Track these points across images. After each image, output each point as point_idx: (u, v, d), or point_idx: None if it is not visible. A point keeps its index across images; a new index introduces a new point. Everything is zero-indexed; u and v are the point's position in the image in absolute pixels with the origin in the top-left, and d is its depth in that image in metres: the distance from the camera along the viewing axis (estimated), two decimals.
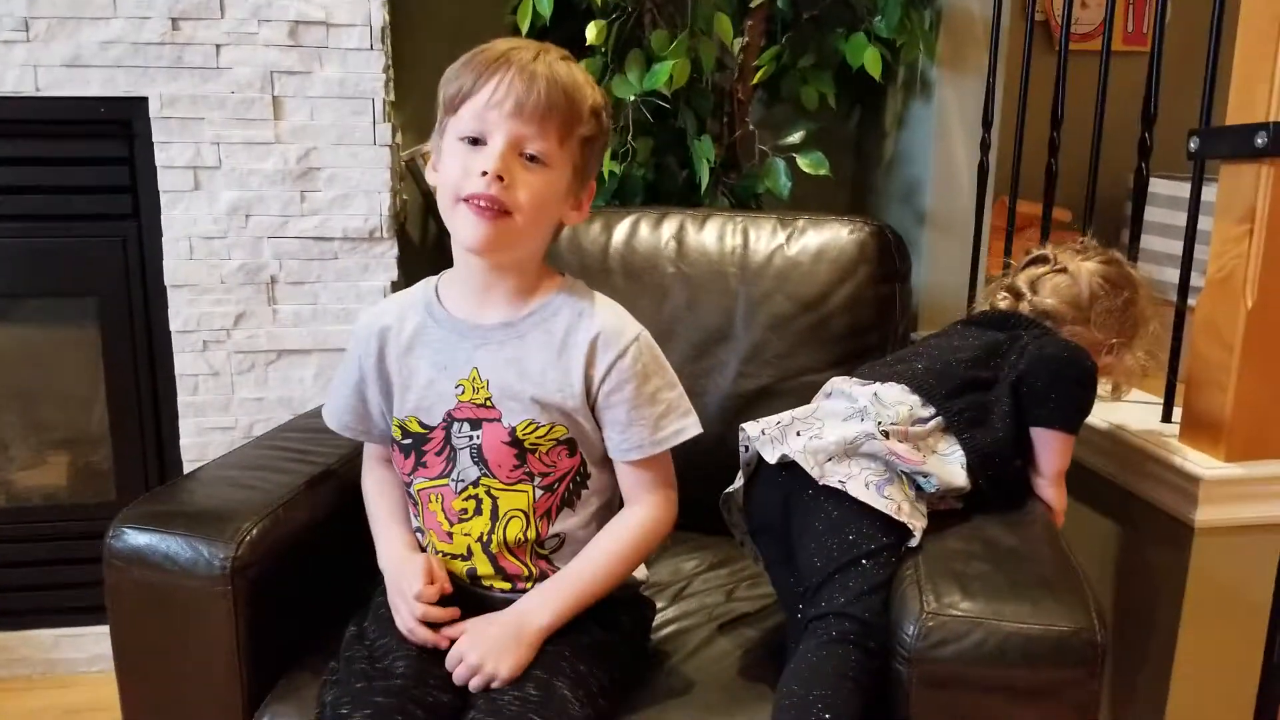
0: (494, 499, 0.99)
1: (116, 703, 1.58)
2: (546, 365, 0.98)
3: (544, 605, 0.95)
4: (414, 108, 1.84)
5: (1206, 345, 1.19)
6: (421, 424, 1.01)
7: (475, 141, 0.93)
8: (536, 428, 0.98)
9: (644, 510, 1.01)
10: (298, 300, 1.65)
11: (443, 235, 1.89)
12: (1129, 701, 1.27)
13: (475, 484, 0.99)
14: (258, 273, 1.63)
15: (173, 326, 1.62)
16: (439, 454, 1.00)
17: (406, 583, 0.95)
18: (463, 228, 0.94)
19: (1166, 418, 1.32)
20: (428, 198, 1.87)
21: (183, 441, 1.66)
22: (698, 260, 1.45)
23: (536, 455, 0.98)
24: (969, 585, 0.85)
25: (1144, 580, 1.26)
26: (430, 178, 0.99)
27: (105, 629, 1.67)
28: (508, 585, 1.00)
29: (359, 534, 1.06)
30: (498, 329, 1.00)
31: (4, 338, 1.71)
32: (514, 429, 0.98)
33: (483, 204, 0.92)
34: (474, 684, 0.90)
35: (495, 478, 0.99)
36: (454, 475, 1.00)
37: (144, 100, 1.54)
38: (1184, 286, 1.31)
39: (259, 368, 1.66)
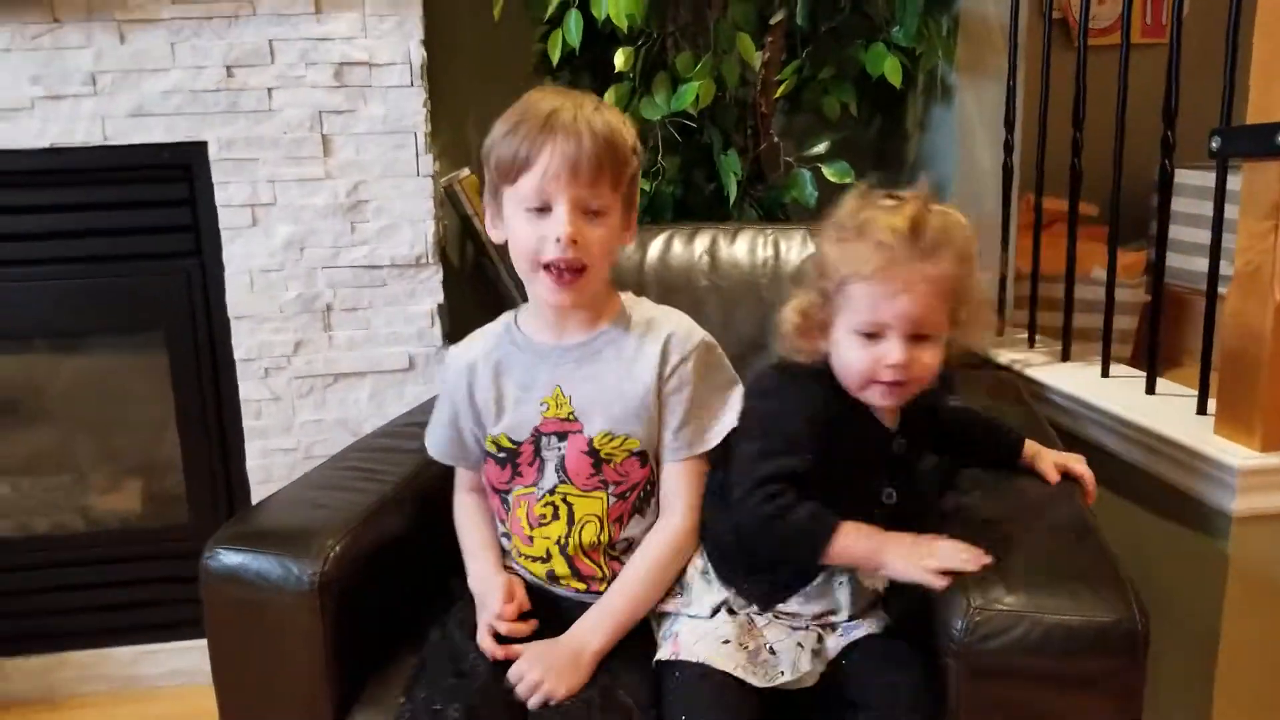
0: (570, 505, 1.08)
1: (193, 713, 1.70)
2: (622, 376, 1.07)
3: (598, 629, 1.02)
4: (449, 136, 1.92)
5: (1237, 338, 1.22)
6: (511, 440, 1.10)
7: (541, 209, 1.01)
8: (612, 438, 1.06)
9: (679, 521, 1.07)
10: (351, 326, 1.73)
11: (481, 257, 1.99)
12: (1175, 691, 1.30)
13: (552, 491, 1.08)
14: (313, 301, 1.70)
15: (236, 355, 1.70)
16: (531, 464, 1.10)
17: (490, 599, 1.03)
18: (545, 293, 1.04)
19: (1201, 410, 1.34)
20: (465, 222, 1.94)
21: (249, 464, 1.74)
22: (730, 273, 1.51)
23: (611, 465, 1.07)
24: (1011, 580, 0.90)
25: (1185, 571, 1.29)
26: (493, 235, 1.08)
27: (180, 645, 1.80)
28: (583, 586, 1.08)
29: (432, 546, 1.13)
30: (575, 349, 1.09)
31: (79, 371, 1.81)
32: (591, 440, 1.06)
33: (563, 268, 1.01)
34: (533, 701, 0.96)
35: (573, 484, 1.08)
36: (539, 484, 1.09)
37: (203, 144, 1.63)
38: (1213, 279, 1.34)
39: (318, 391, 1.74)
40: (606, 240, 1.03)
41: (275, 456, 1.74)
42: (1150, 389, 1.45)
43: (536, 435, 1.09)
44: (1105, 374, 1.56)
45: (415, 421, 1.42)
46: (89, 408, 1.82)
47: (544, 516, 1.08)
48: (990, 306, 1.10)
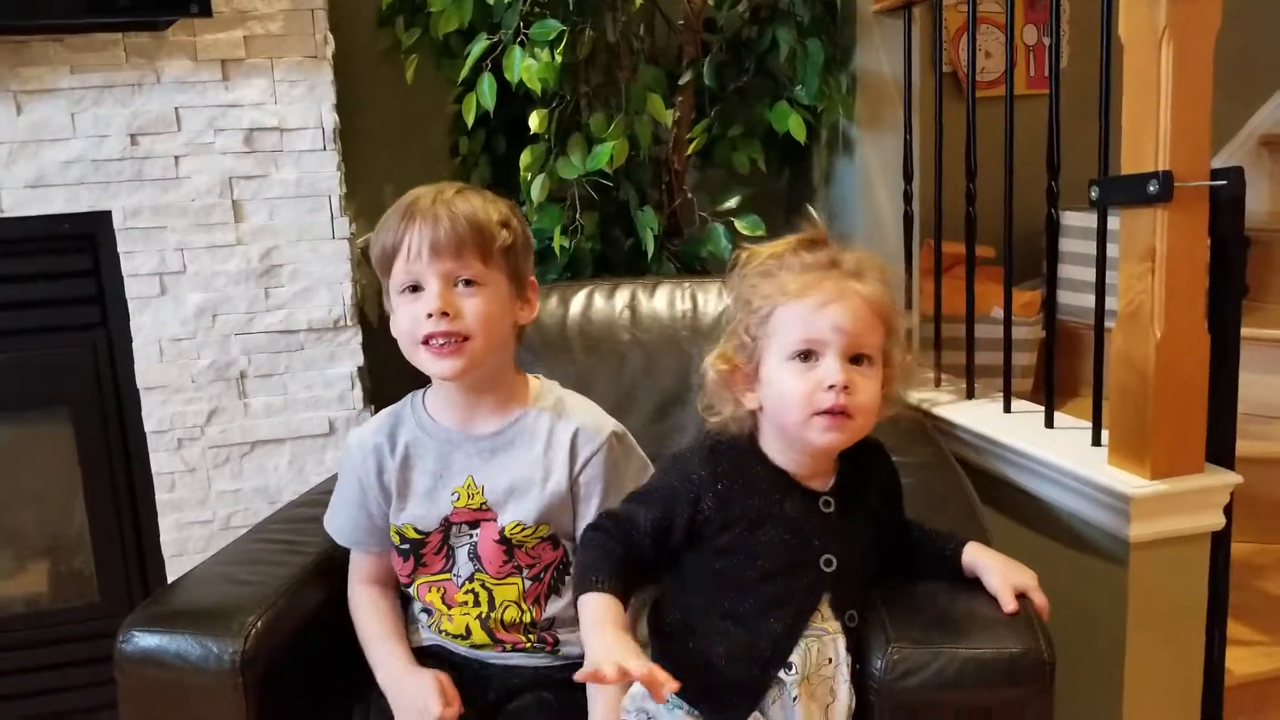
0: (489, 590, 1.08)
1: None
2: (534, 465, 1.08)
3: None
4: (365, 198, 1.92)
5: (1124, 374, 1.29)
6: (417, 530, 1.10)
7: (414, 289, 1.03)
8: (524, 528, 1.07)
9: None
10: (268, 393, 1.70)
11: None
12: (1086, 711, 1.36)
13: (470, 579, 1.09)
14: (227, 369, 1.67)
15: (147, 427, 1.65)
16: (437, 553, 1.09)
17: (422, 702, 1.00)
18: (430, 366, 1.04)
19: (1096, 441, 1.41)
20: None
21: (163, 538, 1.69)
22: (651, 326, 1.54)
23: (524, 550, 1.07)
24: (927, 620, 0.93)
25: (1089, 596, 1.34)
26: (394, 330, 1.08)
27: None
28: (509, 646, 1.08)
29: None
30: (487, 439, 1.09)
31: None
32: (503, 529, 1.07)
33: (440, 342, 1.02)
34: None
35: (486, 573, 1.09)
36: (454, 571, 1.10)
37: (107, 214, 1.59)
38: (1100, 317, 1.42)
39: (234, 460, 1.70)
40: (485, 310, 1.03)
41: (191, 529, 1.70)
42: (1049, 423, 1.52)
43: (446, 525, 1.09)
44: (1007, 409, 1.63)
45: (331, 489, 1.41)
46: None
47: (465, 603, 1.09)
48: (911, 358, 1.07)
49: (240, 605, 1.04)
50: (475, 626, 1.08)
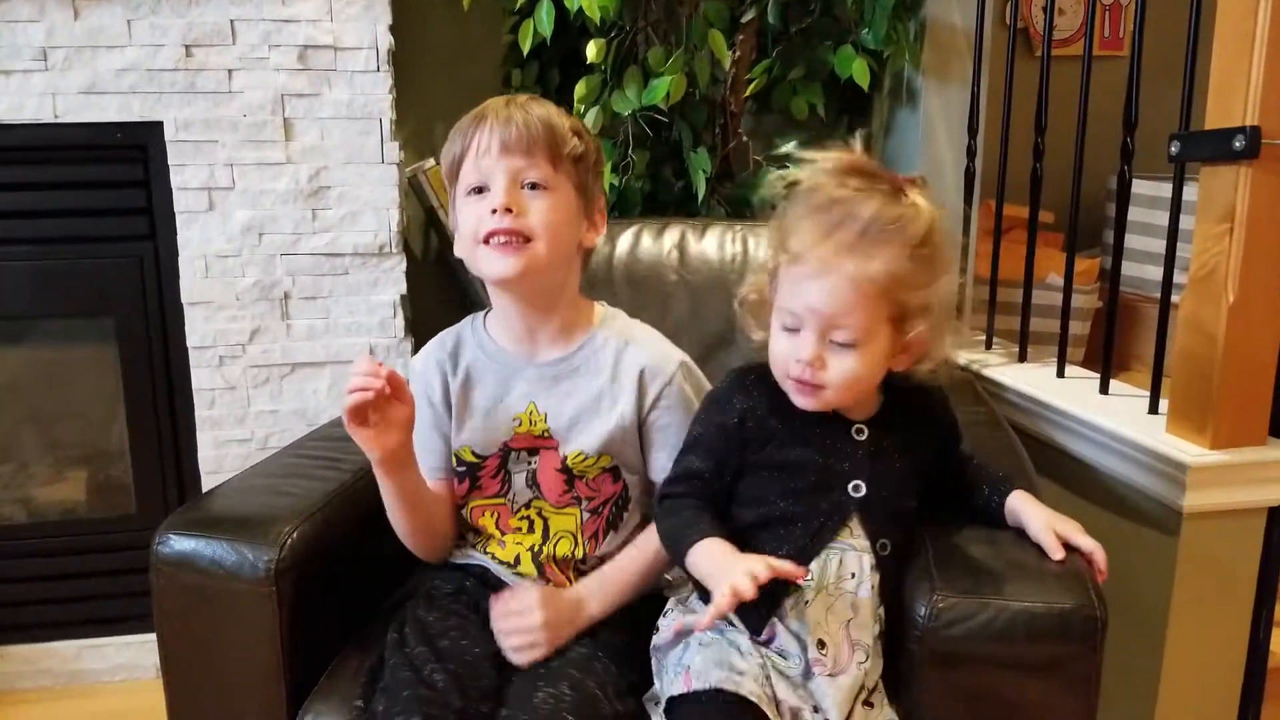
0: (545, 520, 1.07)
1: (139, 709, 1.66)
2: (600, 395, 1.05)
3: (597, 595, 1.02)
4: (414, 126, 1.90)
5: (1191, 339, 1.25)
6: (475, 454, 1.07)
7: (480, 190, 1.01)
8: (585, 457, 1.05)
9: None
10: (311, 315, 1.70)
11: (444, 248, 1.97)
12: (1123, 680, 1.33)
13: (528, 505, 1.07)
14: (271, 289, 1.67)
15: (189, 343, 1.66)
16: (494, 477, 1.08)
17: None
18: (488, 266, 1.01)
19: (1154, 409, 1.37)
20: (430, 213, 1.92)
21: (200, 454, 1.70)
22: (700, 268, 1.51)
23: (584, 480, 1.05)
24: (975, 569, 0.91)
25: (1136, 564, 1.32)
26: (457, 251, 1.05)
27: (126, 639, 1.75)
28: (550, 583, 1.06)
29: (392, 537, 1.10)
30: (551, 365, 1.06)
31: (23, 358, 1.75)
32: (565, 458, 1.05)
33: (501, 239, 0.98)
34: (515, 642, 0.96)
35: (546, 500, 1.07)
36: (510, 496, 1.07)
37: (159, 125, 1.58)
38: (1167, 283, 1.37)
39: (274, 381, 1.70)
40: (552, 215, 1.00)
41: (229, 447, 1.70)
42: (1104, 389, 1.48)
43: (505, 450, 1.07)
44: (1060, 374, 1.59)
45: None
46: (33, 395, 1.76)
47: (519, 529, 1.07)
48: (956, 327, 0.98)
49: (278, 515, 1.03)
50: (526, 557, 1.06)
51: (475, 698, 0.92)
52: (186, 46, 1.57)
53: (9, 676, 1.75)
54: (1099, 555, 0.94)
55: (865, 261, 0.87)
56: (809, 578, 0.92)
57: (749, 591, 0.81)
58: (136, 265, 1.65)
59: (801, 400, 0.93)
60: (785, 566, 0.84)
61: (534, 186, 1.00)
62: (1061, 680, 0.88)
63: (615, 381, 1.05)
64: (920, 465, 1.00)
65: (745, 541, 0.92)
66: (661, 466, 1.05)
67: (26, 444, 1.78)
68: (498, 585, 1.06)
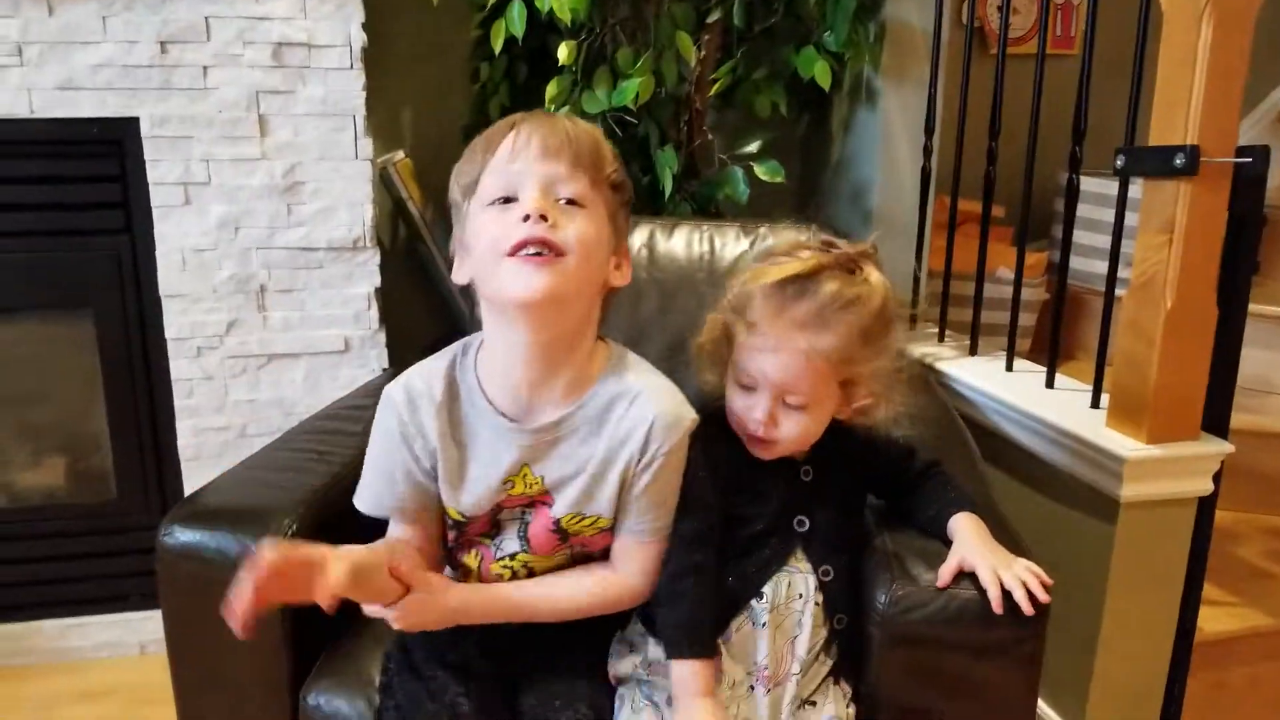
0: (530, 569, 1.00)
1: (124, 683, 1.71)
2: (602, 459, 0.95)
3: (467, 592, 0.97)
4: (383, 117, 1.92)
5: (1131, 341, 1.33)
6: (462, 514, 0.98)
7: (506, 201, 0.88)
8: (582, 519, 0.97)
9: (629, 580, 0.99)
10: (286, 307, 1.73)
11: (414, 241, 2.00)
12: (1064, 655, 1.43)
13: (513, 557, 0.99)
14: (247, 282, 1.70)
15: (168, 334, 1.68)
16: (482, 531, 1.00)
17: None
18: (512, 282, 0.86)
19: (1095, 404, 1.46)
20: (399, 205, 1.95)
21: (180, 441, 1.73)
22: (668, 266, 1.56)
23: (578, 537, 0.99)
24: (931, 562, 0.98)
25: (1077, 549, 1.40)
26: (457, 276, 0.94)
27: (110, 618, 1.79)
28: None
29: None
30: (548, 429, 0.94)
31: (3, 346, 1.76)
32: (559, 520, 0.96)
33: (532, 250, 0.85)
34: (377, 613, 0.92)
35: (534, 554, 0.99)
36: (496, 541, 0.99)
37: (135, 120, 1.60)
38: (1111, 284, 1.45)
39: (251, 371, 1.73)
40: (587, 235, 0.88)
41: (207, 435, 1.74)
42: (1050, 383, 1.56)
43: (496, 508, 0.97)
44: (1009, 368, 1.67)
45: (357, 404, 1.45)
46: (14, 386, 1.77)
47: (500, 576, 1.00)
48: (902, 388, 1.00)
49: (276, 507, 1.08)
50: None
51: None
52: (161, 43, 1.58)
53: None
54: (1033, 583, 0.94)
55: (817, 338, 0.93)
56: (764, 601, 0.98)
57: None
58: (114, 259, 1.67)
59: (758, 451, 1.00)
60: None
61: (570, 203, 0.88)
62: (1007, 659, 0.96)
63: (618, 443, 0.94)
64: (866, 486, 1.10)
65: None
66: (631, 524, 0.97)
67: (7, 430, 1.80)
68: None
